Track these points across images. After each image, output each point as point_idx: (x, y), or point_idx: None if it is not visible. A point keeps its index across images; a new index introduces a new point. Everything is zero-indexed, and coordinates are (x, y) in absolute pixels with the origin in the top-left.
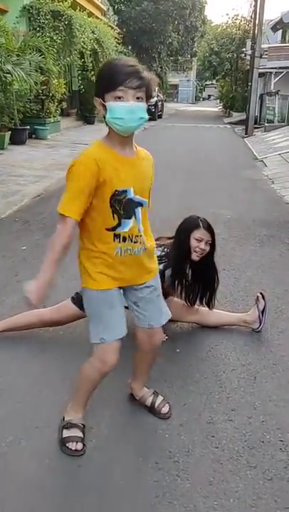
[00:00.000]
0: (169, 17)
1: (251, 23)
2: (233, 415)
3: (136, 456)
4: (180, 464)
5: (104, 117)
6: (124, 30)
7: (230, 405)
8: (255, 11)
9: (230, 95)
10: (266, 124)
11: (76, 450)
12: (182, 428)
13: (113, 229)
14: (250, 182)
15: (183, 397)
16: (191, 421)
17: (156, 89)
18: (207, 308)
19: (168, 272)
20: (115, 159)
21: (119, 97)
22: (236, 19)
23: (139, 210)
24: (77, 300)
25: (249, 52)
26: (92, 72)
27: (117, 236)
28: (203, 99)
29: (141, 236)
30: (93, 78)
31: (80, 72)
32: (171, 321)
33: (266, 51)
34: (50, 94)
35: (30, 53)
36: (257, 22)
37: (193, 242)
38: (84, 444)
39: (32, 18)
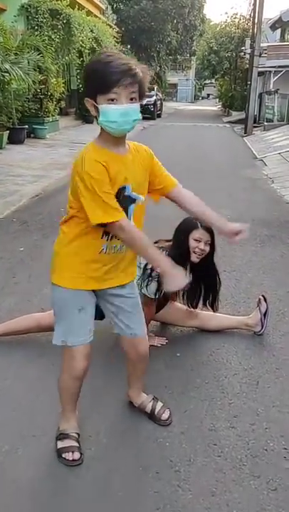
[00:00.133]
0: (168, 16)
1: (250, 21)
2: (235, 422)
3: (136, 466)
4: (181, 473)
5: (97, 118)
6: (123, 29)
7: (232, 412)
8: (254, 10)
9: (229, 94)
10: (265, 123)
11: (74, 460)
12: (183, 436)
13: (105, 225)
14: (249, 181)
15: (184, 403)
16: (192, 428)
17: (155, 88)
18: (207, 313)
19: None
20: (113, 159)
21: (112, 99)
22: (235, 18)
23: (132, 207)
24: None
25: (248, 51)
26: None
27: (106, 233)
28: (202, 98)
29: None
30: None
31: (78, 71)
32: (171, 325)
33: (265, 50)
34: (49, 94)
35: (28, 52)
36: (256, 21)
37: (192, 243)
38: (81, 453)
39: (30, 17)
